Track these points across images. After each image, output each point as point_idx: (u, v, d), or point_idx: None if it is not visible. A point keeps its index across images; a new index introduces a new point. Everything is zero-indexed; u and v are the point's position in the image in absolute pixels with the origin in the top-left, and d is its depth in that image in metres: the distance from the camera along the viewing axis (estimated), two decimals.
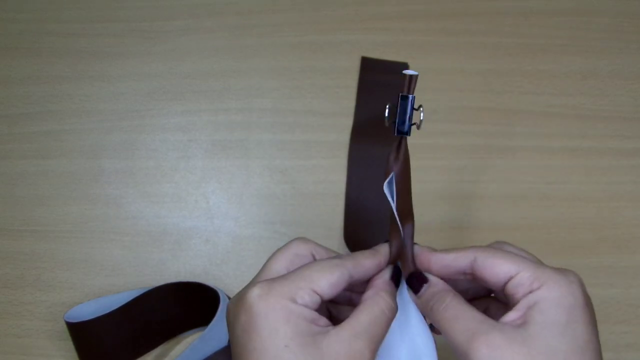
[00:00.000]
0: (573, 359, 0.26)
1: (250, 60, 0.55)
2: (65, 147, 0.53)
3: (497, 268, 0.30)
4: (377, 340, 0.29)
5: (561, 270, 0.29)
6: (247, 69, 0.55)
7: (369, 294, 0.31)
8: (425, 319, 0.33)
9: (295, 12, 0.57)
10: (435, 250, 0.33)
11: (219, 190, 0.52)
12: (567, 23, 0.56)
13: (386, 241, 0.34)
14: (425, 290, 0.32)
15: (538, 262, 0.30)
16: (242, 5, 0.57)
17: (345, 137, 0.53)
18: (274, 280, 0.29)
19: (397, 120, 0.31)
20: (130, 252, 0.50)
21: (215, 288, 0.46)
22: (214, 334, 0.43)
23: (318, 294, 0.29)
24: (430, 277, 0.32)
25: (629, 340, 0.47)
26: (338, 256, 0.32)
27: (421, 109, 0.32)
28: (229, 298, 0.46)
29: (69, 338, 0.46)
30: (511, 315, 0.28)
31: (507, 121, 0.53)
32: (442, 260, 0.32)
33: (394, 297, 0.31)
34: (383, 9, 0.56)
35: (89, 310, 0.45)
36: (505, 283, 0.30)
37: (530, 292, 0.28)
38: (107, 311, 0.44)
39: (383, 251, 0.33)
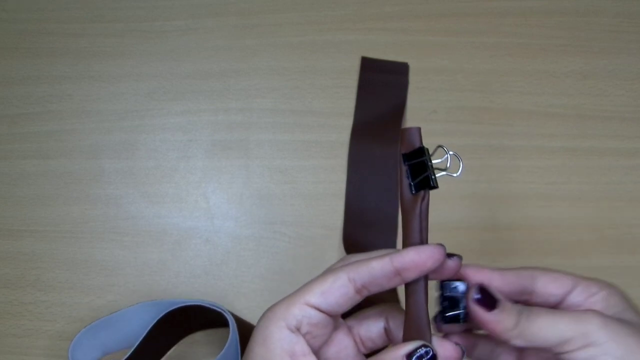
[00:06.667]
0: None
1: (250, 60, 0.55)
2: (65, 147, 0.53)
3: (560, 281, 0.31)
4: None
5: (607, 282, 0.32)
6: (247, 69, 0.55)
7: None
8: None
9: (295, 12, 0.57)
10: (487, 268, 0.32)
11: (219, 190, 0.52)
12: (567, 23, 0.56)
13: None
14: (500, 309, 0.29)
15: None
16: (242, 5, 0.57)
17: (345, 137, 0.53)
18: (283, 298, 0.30)
19: (415, 180, 0.30)
20: (130, 252, 0.50)
21: (222, 311, 0.43)
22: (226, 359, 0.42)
23: (311, 307, 0.29)
24: (497, 295, 0.29)
25: None
26: (347, 262, 0.30)
27: (444, 152, 0.30)
28: (234, 317, 0.45)
29: (69, 338, 0.46)
30: None
31: (507, 121, 0.53)
32: (507, 279, 0.31)
33: None
34: (383, 9, 0.56)
35: (89, 340, 0.44)
36: (566, 294, 0.31)
37: (592, 294, 0.30)
38: (107, 336, 0.45)
39: (405, 256, 0.29)
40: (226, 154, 0.53)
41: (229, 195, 0.52)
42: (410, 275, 0.29)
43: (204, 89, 0.55)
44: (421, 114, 0.53)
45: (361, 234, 0.49)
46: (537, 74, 0.54)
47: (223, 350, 0.41)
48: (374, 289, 0.29)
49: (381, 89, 0.54)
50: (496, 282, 0.31)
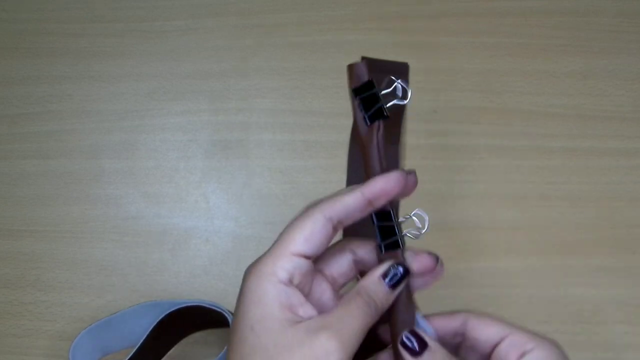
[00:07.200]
0: None
1: (250, 60, 0.55)
2: (65, 147, 0.53)
3: (489, 329, 0.31)
4: (349, 339, 0.27)
5: (545, 336, 0.30)
6: (247, 69, 0.55)
7: (351, 291, 0.30)
8: None
9: (295, 12, 0.57)
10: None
11: (219, 191, 0.52)
12: (567, 23, 0.56)
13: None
14: (427, 357, 0.29)
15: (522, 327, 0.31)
16: (242, 5, 0.57)
17: (345, 137, 0.53)
18: (263, 254, 0.29)
19: (368, 113, 0.31)
20: (130, 252, 0.50)
21: (222, 311, 0.43)
22: None
23: (299, 255, 0.29)
24: (430, 342, 0.30)
25: (629, 340, 0.47)
26: (317, 203, 0.30)
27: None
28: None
29: (69, 338, 0.46)
30: None
31: (507, 121, 0.53)
32: (436, 321, 0.32)
33: (380, 298, 0.29)
34: (383, 9, 0.56)
35: (89, 341, 0.44)
36: (496, 344, 0.30)
37: (525, 352, 0.29)
38: (107, 337, 0.45)
39: (375, 185, 0.30)
40: (226, 154, 0.53)
41: (229, 195, 0.52)
42: (381, 202, 0.30)
43: (204, 89, 0.55)
44: (421, 114, 0.53)
45: (361, 233, 0.49)
46: (537, 74, 0.54)
47: (223, 351, 0.41)
48: (348, 222, 0.30)
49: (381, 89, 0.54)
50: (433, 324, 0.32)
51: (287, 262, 0.28)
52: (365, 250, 0.32)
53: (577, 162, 0.52)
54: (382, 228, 0.31)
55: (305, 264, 0.29)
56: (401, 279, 0.30)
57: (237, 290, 0.51)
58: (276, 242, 0.29)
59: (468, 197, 0.51)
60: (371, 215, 0.31)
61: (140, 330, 0.44)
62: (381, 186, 0.29)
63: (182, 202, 0.52)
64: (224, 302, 0.49)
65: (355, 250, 0.32)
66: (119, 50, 0.56)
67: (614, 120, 0.53)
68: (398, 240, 0.31)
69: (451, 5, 0.56)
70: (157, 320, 0.43)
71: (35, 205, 0.52)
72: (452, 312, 0.32)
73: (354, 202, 0.29)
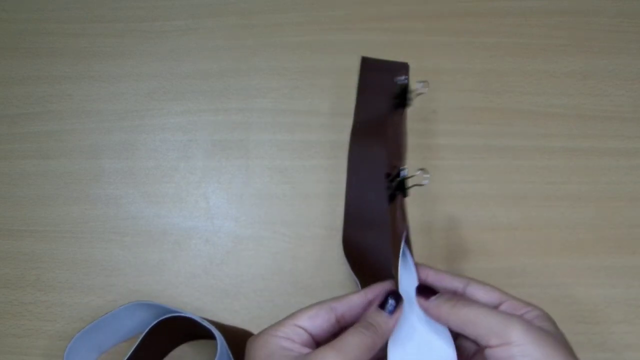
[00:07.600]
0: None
1: (250, 60, 0.55)
2: (65, 147, 0.53)
3: (490, 293, 0.35)
4: (350, 352, 0.31)
5: (536, 306, 0.34)
6: (247, 69, 0.55)
7: (356, 322, 0.34)
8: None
9: (295, 12, 0.57)
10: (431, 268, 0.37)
11: (219, 191, 0.52)
12: (567, 23, 0.56)
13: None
14: (438, 297, 0.34)
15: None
16: (242, 5, 0.57)
17: (345, 137, 0.53)
18: (269, 326, 0.33)
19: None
20: (130, 252, 0.50)
21: (209, 327, 0.43)
22: None
23: (300, 327, 0.33)
24: (437, 289, 0.35)
25: (629, 340, 0.47)
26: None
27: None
28: (225, 327, 0.45)
29: (69, 338, 0.46)
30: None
31: (507, 121, 0.53)
32: (440, 277, 0.36)
33: (381, 325, 0.33)
34: (383, 9, 0.56)
35: (84, 343, 0.44)
36: (495, 307, 0.34)
37: (519, 310, 0.34)
38: (101, 337, 0.45)
39: (376, 288, 0.35)
40: (226, 154, 0.53)
41: (229, 195, 0.52)
42: (378, 301, 0.35)
43: (204, 89, 0.55)
44: (421, 114, 0.53)
45: (361, 234, 0.49)
46: (537, 74, 0.54)
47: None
48: (349, 316, 0.34)
49: (381, 89, 0.54)
50: (431, 277, 0.37)
51: (288, 329, 0.33)
52: (342, 305, 0.35)
53: (577, 162, 0.52)
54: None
55: (304, 334, 0.33)
56: (396, 306, 0.34)
57: (237, 291, 0.51)
58: (282, 319, 0.33)
59: (468, 197, 0.51)
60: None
61: (133, 326, 0.44)
62: (379, 291, 0.35)
63: (182, 202, 0.52)
64: (224, 302, 0.49)
65: (335, 307, 0.35)
66: (119, 50, 0.56)
67: (614, 120, 0.53)
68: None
69: (451, 5, 0.56)
70: (147, 329, 0.42)
71: (35, 205, 0.52)
72: (457, 275, 0.36)
73: (358, 299, 0.35)
